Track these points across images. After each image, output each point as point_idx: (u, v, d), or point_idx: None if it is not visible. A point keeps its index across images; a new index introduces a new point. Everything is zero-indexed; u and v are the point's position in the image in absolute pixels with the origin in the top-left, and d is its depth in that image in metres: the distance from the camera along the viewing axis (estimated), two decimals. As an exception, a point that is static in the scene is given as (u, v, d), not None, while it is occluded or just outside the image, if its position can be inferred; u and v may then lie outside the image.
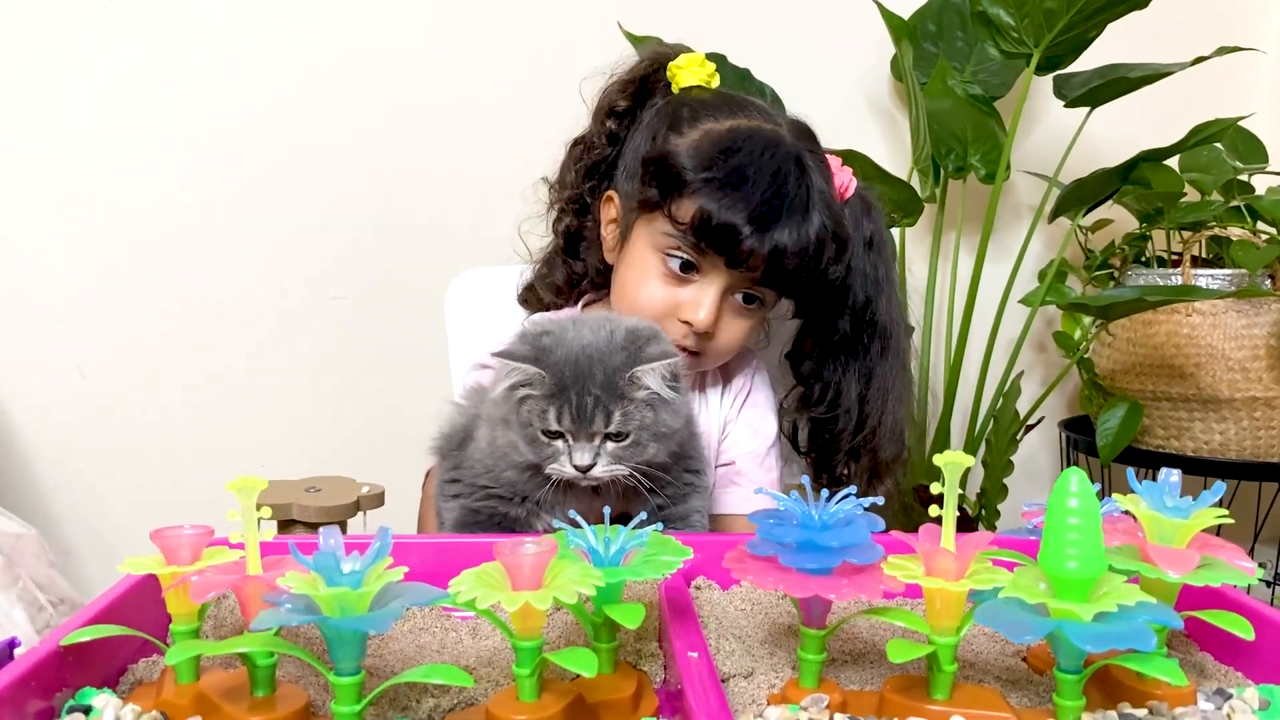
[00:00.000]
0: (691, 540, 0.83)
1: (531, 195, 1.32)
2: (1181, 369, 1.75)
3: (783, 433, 1.24)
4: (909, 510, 1.64)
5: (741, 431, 1.21)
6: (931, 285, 1.93)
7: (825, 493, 0.63)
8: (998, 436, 1.74)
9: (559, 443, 0.90)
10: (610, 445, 0.90)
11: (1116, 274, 1.89)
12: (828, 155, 1.16)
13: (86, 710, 0.58)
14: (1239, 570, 0.60)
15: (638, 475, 0.92)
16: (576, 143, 1.26)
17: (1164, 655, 0.62)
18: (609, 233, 1.18)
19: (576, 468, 0.89)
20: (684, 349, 1.10)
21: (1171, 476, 0.64)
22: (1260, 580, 2.05)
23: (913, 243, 1.96)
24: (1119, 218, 1.91)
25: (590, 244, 1.24)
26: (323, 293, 1.94)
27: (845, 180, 1.15)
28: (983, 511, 1.78)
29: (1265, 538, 2.01)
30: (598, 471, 0.90)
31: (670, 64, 1.20)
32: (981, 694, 0.61)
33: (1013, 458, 1.82)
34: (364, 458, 1.55)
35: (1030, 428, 1.86)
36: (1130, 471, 0.68)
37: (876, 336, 1.18)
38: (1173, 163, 1.79)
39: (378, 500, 1.45)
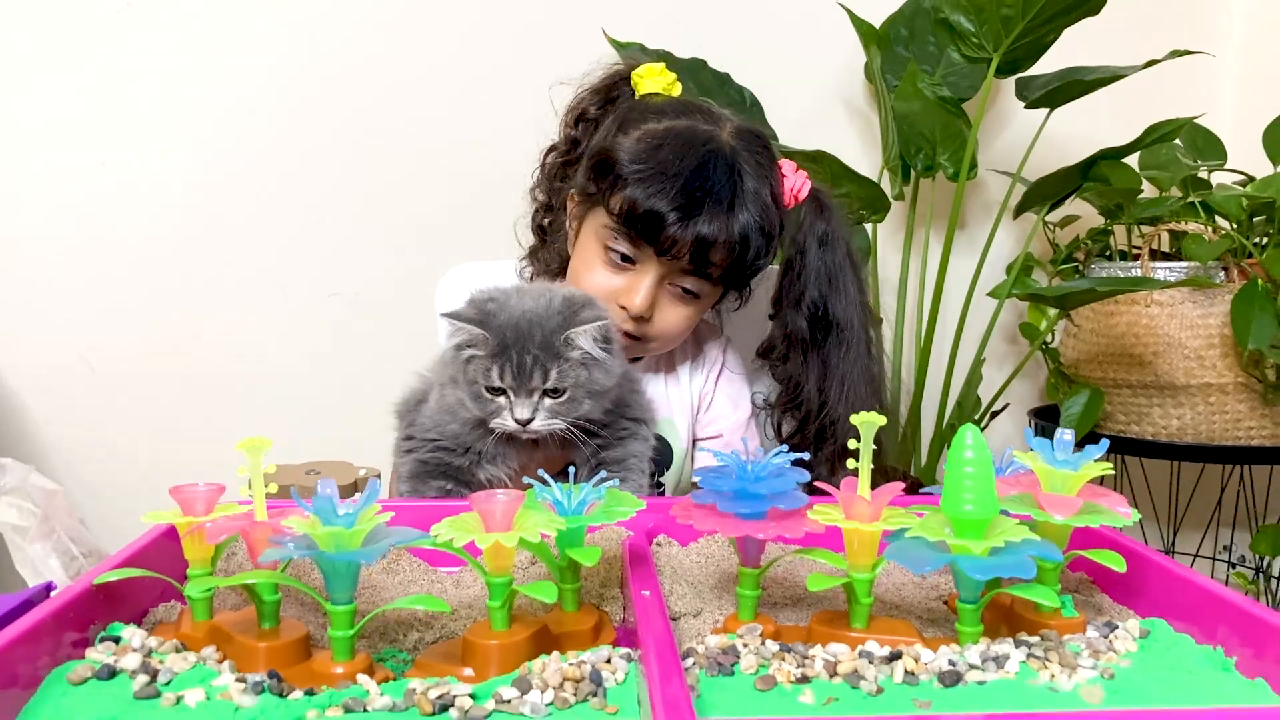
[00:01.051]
0: (656, 504, 0.92)
1: (528, 198, 1.42)
2: (1141, 357, 1.83)
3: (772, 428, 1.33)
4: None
5: (721, 405, 1.31)
6: (904, 278, 2.02)
7: (760, 450, 0.72)
8: (960, 421, 1.82)
9: (501, 399, 1.00)
10: (548, 401, 1.00)
11: (1081, 267, 1.97)
12: (783, 160, 1.24)
13: (116, 640, 0.67)
14: (1116, 513, 0.69)
15: (574, 430, 1.02)
16: (550, 149, 1.36)
17: (1054, 590, 0.71)
18: (572, 228, 1.28)
19: (517, 421, 0.99)
20: (625, 334, 1.20)
21: (1065, 435, 0.73)
22: (1214, 560, 2.14)
23: (886, 238, 2.05)
24: (1087, 213, 1.99)
25: (558, 239, 1.33)
26: (320, 290, 2.03)
27: (798, 183, 1.23)
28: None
29: (1226, 520, 2.10)
30: (536, 425, 1.00)
31: (633, 73, 1.29)
32: (895, 625, 0.70)
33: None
34: (361, 443, 1.63)
35: (995, 414, 1.95)
36: (1028, 429, 0.77)
37: (831, 330, 1.26)
38: (1134, 160, 1.88)
39: (374, 482, 1.54)
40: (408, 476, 1.07)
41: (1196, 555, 2.12)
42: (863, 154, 2.09)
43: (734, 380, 1.33)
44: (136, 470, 1.99)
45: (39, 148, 1.94)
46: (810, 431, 1.27)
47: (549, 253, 1.36)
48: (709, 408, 1.31)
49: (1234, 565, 2.15)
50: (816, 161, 1.67)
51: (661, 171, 1.14)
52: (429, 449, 1.06)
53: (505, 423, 1.00)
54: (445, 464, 1.06)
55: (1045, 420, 2.01)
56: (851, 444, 0.70)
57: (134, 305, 1.99)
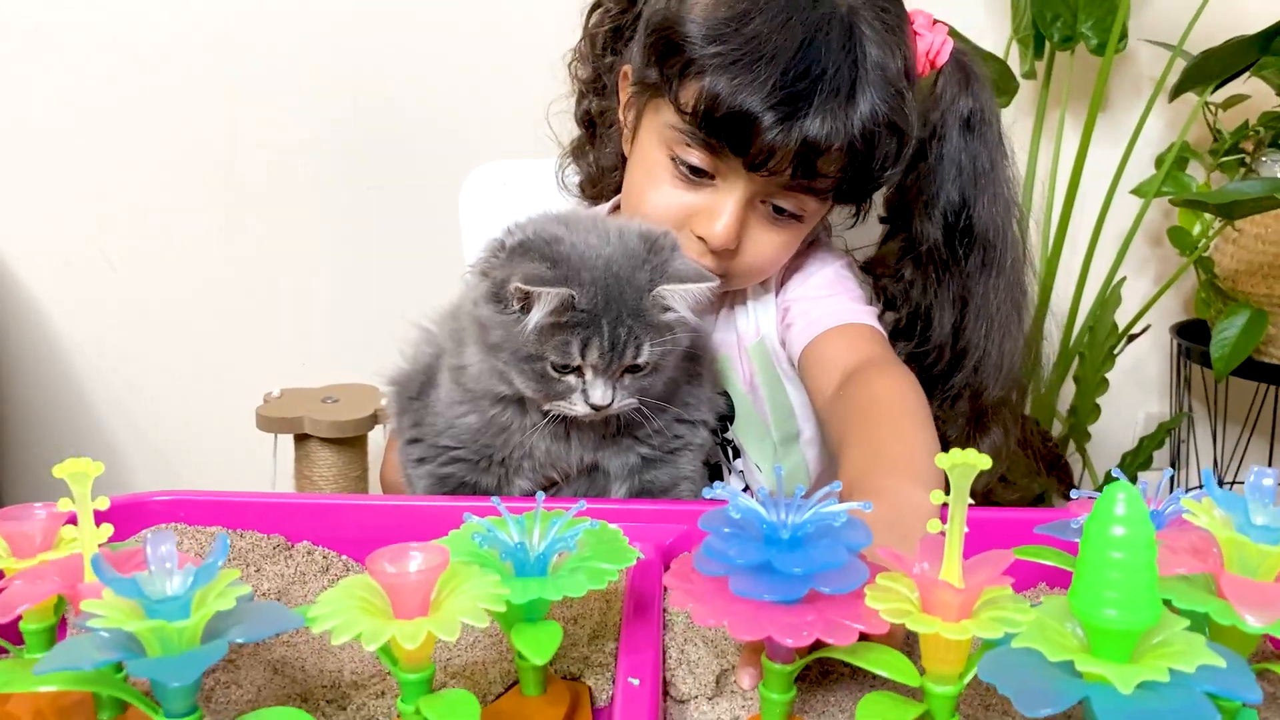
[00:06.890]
0: (678, 511, 0.71)
1: (561, 69, 1.11)
2: (1317, 272, 1.54)
3: None
4: (1026, 445, 1.46)
5: (795, 289, 1.01)
6: (1031, 171, 1.73)
7: (800, 490, 0.49)
8: (1092, 350, 1.56)
9: (571, 378, 0.75)
10: (628, 378, 0.76)
11: (1249, 159, 1.67)
12: (913, 11, 0.93)
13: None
14: (1348, 620, 0.45)
15: (643, 407, 0.78)
16: (595, 6, 1.05)
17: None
18: (625, 120, 0.99)
19: (594, 406, 0.75)
20: None
21: (1265, 479, 0.48)
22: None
23: (1011, 122, 1.75)
24: (1257, 93, 1.68)
25: (612, 135, 1.04)
26: (356, 185, 1.81)
27: (937, 43, 0.92)
28: (1073, 430, 1.61)
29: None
30: (614, 408, 0.76)
31: None
32: (990, 755, 0.48)
33: (1116, 367, 1.64)
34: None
35: (1133, 338, 1.67)
36: (1206, 472, 0.52)
37: (975, 247, 0.96)
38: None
39: (397, 413, 1.35)
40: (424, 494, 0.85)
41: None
42: (987, 22, 1.78)
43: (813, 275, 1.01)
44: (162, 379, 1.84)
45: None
46: (936, 382, 0.99)
47: (600, 151, 1.09)
48: (792, 317, 0.99)
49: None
50: (928, 34, 1.38)
51: (752, 52, 0.83)
52: (442, 460, 0.83)
53: (573, 407, 0.75)
54: (465, 482, 0.83)
55: (1191, 340, 1.73)
56: (936, 496, 0.46)
57: (156, 216, 1.80)
